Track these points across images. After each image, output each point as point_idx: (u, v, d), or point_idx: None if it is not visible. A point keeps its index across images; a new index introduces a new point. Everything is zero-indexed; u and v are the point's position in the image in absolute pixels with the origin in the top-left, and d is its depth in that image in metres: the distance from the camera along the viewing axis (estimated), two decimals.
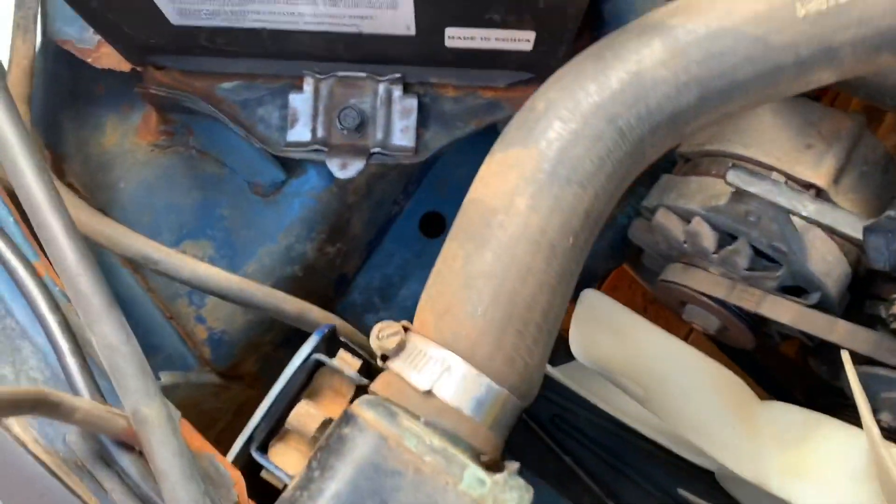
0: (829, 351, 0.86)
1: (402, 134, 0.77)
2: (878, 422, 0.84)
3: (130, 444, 0.47)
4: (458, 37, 0.68)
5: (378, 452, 0.43)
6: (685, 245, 0.96)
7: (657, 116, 0.50)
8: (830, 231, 0.88)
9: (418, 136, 0.77)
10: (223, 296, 0.60)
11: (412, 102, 0.77)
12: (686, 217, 0.95)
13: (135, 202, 0.84)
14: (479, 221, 0.49)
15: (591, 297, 0.82)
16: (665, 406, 0.76)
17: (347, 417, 0.45)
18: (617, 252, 1.22)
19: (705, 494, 1.00)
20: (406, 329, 0.48)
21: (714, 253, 0.93)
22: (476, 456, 0.46)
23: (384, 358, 0.48)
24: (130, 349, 0.44)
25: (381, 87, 0.76)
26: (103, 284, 0.46)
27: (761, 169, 0.91)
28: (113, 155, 0.85)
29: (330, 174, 0.77)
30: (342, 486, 0.42)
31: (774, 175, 0.88)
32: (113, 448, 0.47)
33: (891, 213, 0.66)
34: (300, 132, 0.76)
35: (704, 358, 0.81)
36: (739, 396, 0.79)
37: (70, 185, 0.84)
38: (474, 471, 0.43)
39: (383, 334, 0.47)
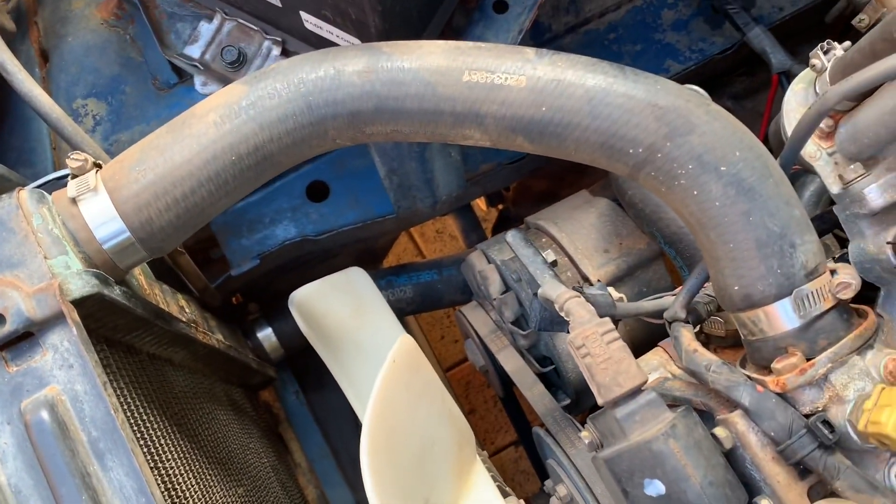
0: None
1: None
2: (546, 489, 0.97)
3: None
4: (310, 22, 0.88)
5: (9, 214, 0.61)
6: (481, 286, 1.12)
7: (340, 108, 0.68)
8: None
9: None
10: (39, 112, 0.80)
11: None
12: (488, 263, 1.11)
13: (72, 54, 1.06)
14: (181, 119, 0.68)
15: (355, 272, 0.99)
16: (348, 371, 0.91)
17: (13, 193, 0.63)
18: (463, 290, 1.37)
19: None
20: (97, 166, 0.67)
21: (494, 300, 1.08)
22: (86, 258, 0.64)
23: (74, 177, 0.67)
24: None
25: (266, 43, 0.96)
26: None
27: (558, 250, 1.06)
28: (74, 15, 1.07)
29: (205, 95, 0.97)
30: None
31: (546, 252, 1.03)
32: None
33: (539, 292, 0.80)
34: (193, 50, 0.97)
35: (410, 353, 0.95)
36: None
37: (34, 23, 1.07)
38: (69, 259, 0.61)
39: (71, 156, 0.66)
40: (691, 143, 0.64)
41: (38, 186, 0.73)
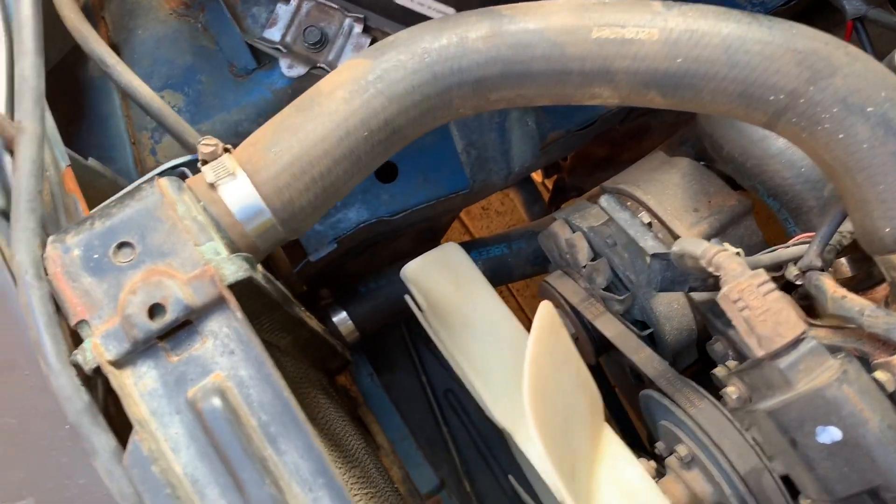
0: None
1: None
2: (654, 448, 0.96)
3: (11, 150, 0.65)
4: None
5: (154, 203, 0.60)
6: (567, 255, 1.11)
7: (465, 75, 0.67)
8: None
9: None
10: (141, 104, 0.79)
11: (365, 40, 0.95)
12: (573, 231, 1.10)
13: (144, 47, 1.05)
14: (308, 97, 0.67)
15: (451, 247, 0.98)
16: (463, 348, 0.90)
17: (150, 181, 0.62)
18: (538, 260, 1.36)
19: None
20: (226, 150, 0.66)
21: (583, 267, 1.07)
22: (229, 243, 0.63)
23: (204, 162, 0.66)
24: (36, 82, 0.63)
25: (347, 21, 0.95)
26: (40, 40, 0.65)
27: (647, 213, 1.05)
28: (141, 7, 1.06)
29: (292, 77, 0.96)
30: (122, 216, 0.60)
31: (641, 214, 1.02)
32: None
33: (676, 249, 0.79)
34: (273, 33, 0.95)
35: (518, 326, 0.95)
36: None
37: (102, 18, 1.06)
38: (216, 245, 0.60)
39: (203, 142, 0.65)
40: (835, 86, 0.63)
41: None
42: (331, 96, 0.66)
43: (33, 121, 0.63)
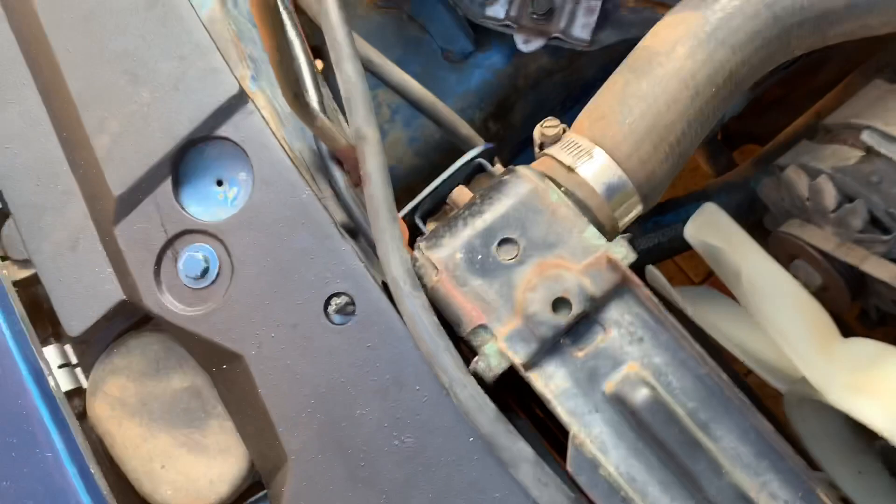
0: None
1: (582, 28, 0.90)
2: None
3: (342, 162, 0.63)
4: None
5: (528, 194, 0.56)
6: (807, 202, 1.04)
7: (808, 12, 0.61)
8: None
9: (594, 34, 0.89)
10: (413, 101, 0.76)
11: (596, 4, 0.89)
12: (813, 176, 1.03)
13: None
14: (642, 59, 0.62)
15: (710, 207, 0.93)
16: (755, 306, 0.86)
17: (508, 171, 0.59)
18: (742, 212, 1.30)
19: None
20: (564, 130, 0.62)
21: (832, 212, 1.01)
22: (599, 226, 0.59)
23: (541, 146, 0.62)
24: (363, 86, 0.60)
25: None
26: (351, 41, 0.62)
27: None
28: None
29: (510, 56, 0.91)
30: (497, 212, 0.56)
31: None
32: (330, 162, 0.63)
33: None
34: (496, 10, 0.91)
35: (801, 287, 0.90)
36: (824, 324, 0.88)
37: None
38: (596, 231, 0.56)
39: (546, 125, 0.61)
40: None
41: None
42: (671, 55, 0.61)
43: (370, 127, 0.60)
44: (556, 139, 0.61)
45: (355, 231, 0.63)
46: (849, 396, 0.80)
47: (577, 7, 0.90)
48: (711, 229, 0.90)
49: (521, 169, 0.58)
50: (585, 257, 0.55)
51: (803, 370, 0.82)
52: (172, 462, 0.66)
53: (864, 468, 1.03)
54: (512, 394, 0.62)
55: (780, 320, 0.86)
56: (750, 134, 1.55)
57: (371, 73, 0.77)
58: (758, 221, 1.28)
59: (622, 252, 0.55)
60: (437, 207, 0.72)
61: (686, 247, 1.30)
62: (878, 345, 0.83)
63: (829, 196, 1.01)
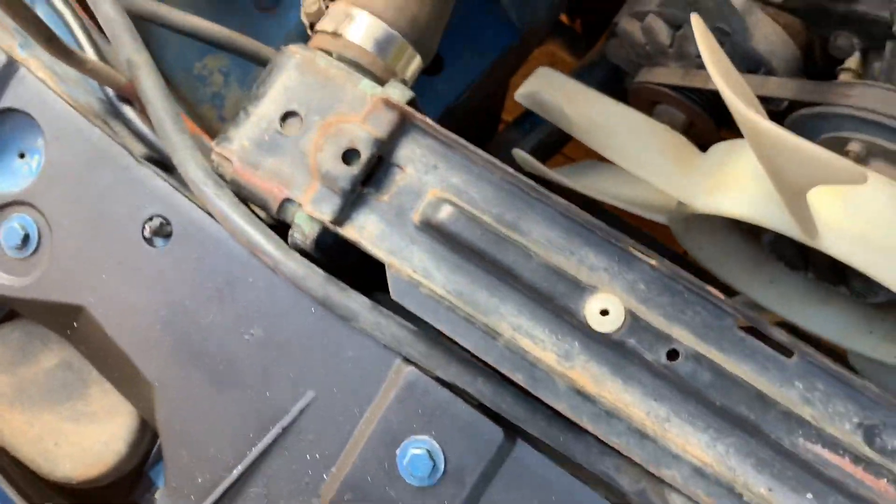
0: None
1: None
2: None
3: (130, 99, 0.64)
4: None
5: (297, 67, 0.58)
6: (647, 46, 1.07)
7: None
8: (775, 12, 0.97)
9: None
10: (207, 40, 0.77)
11: None
12: (643, 19, 1.06)
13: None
14: None
15: (545, 70, 0.95)
16: (608, 150, 0.88)
17: (278, 51, 0.60)
18: (611, 84, 1.33)
19: None
20: (325, 4, 0.64)
21: (669, 46, 1.04)
22: (376, 78, 0.60)
23: (311, 27, 0.63)
24: (124, 19, 0.61)
25: None
26: None
27: None
28: None
29: None
30: (272, 92, 0.58)
31: None
32: (117, 102, 0.64)
33: None
34: None
35: (648, 119, 0.92)
36: (679, 145, 0.90)
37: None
38: (370, 81, 0.58)
39: (305, 4, 0.62)
40: None
41: None
42: None
43: (138, 52, 0.61)
44: (319, 14, 0.63)
45: (162, 161, 0.64)
46: (710, 197, 0.82)
47: None
48: (547, 87, 0.92)
49: (288, 47, 0.60)
50: (364, 106, 0.57)
51: (669, 190, 0.85)
52: (64, 437, 0.66)
53: (774, 276, 1.06)
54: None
55: (636, 153, 0.88)
56: (604, 17, 1.57)
57: (160, 25, 0.78)
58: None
59: (397, 92, 0.57)
60: None
61: (567, 137, 1.33)
62: (730, 142, 0.86)
63: (662, 32, 1.04)
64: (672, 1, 1.01)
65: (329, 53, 0.61)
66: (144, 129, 0.63)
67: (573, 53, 1.49)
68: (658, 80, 1.07)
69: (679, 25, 1.02)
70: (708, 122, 1.10)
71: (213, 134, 1.01)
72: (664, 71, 1.07)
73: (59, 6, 0.65)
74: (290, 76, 0.58)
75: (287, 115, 0.57)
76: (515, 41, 1.17)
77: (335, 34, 0.61)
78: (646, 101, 1.16)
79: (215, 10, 1.00)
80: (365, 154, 0.55)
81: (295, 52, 0.59)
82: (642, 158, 0.89)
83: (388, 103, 0.56)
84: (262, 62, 0.79)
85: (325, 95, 0.57)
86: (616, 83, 1.30)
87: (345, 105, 0.57)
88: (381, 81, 0.62)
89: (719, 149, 0.88)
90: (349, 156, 0.55)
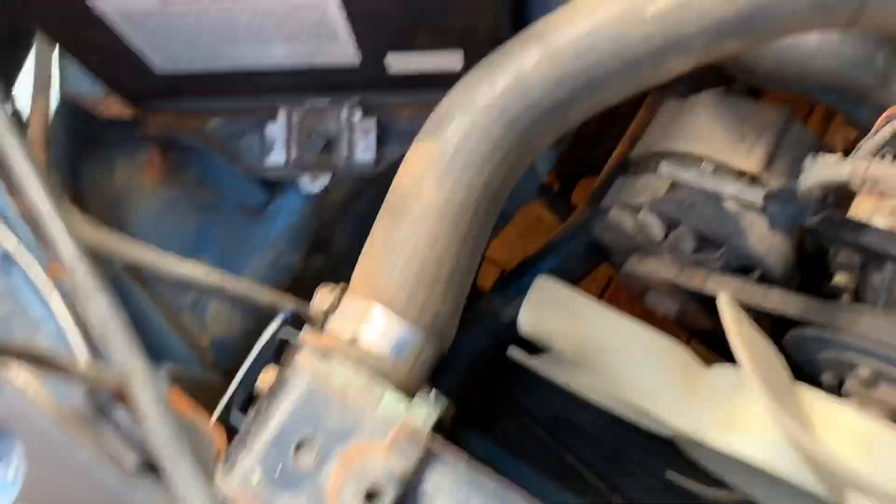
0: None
1: (364, 151, 0.89)
2: (820, 383, 0.91)
3: (122, 399, 0.58)
4: (397, 62, 0.80)
5: (310, 387, 0.53)
6: (637, 238, 1.06)
7: (538, 109, 0.61)
8: (762, 209, 0.96)
9: (379, 152, 0.88)
10: (204, 289, 0.72)
11: (371, 123, 0.88)
12: (635, 212, 1.05)
13: (145, 230, 0.97)
14: (397, 200, 0.61)
15: (543, 281, 0.92)
16: (611, 374, 0.85)
17: (290, 364, 0.55)
18: (591, 255, 1.31)
19: (693, 474, 1.07)
20: (343, 291, 0.60)
21: (662, 241, 1.02)
22: (399, 386, 0.56)
23: (321, 318, 0.59)
24: (118, 320, 0.56)
25: (344, 113, 0.89)
26: (98, 275, 0.58)
27: (696, 161, 1.01)
28: (123, 191, 0.98)
29: (311, 194, 0.89)
30: (283, 415, 0.53)
31: (703, 165, 0.98)
32: (108, 404, 0.58)
33: (812, 180, 0.75)
34: (276, 157, 0.89)
35: (650, 330, 0.90)
36: (683, 363, 0.88)
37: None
38: (390, 398, 0.53)
39: (319, 296, 0.58)
40: None
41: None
42: (419, 191, 0.60)
43: (136, 360, 0.56)
44: (334, 308, 0.59)
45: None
46: (722, 435, 0.80)
47: (353, 132, 0.89)
48: (549, 308, 0.90)
49: (301, 359, 0.55)
50: (387, 432, 0.52)
51: (675, 425, 0.82)
52: None
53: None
54: None
55: (637, 377, 0.85)
56: (581, 166, 1.57)
57: (151, 274, 0.73)
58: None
59: (422, 415, 0.53)
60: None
61: None
62: (736, 372, 0.84)
63: (655, 228, 1.02)
64: (668, 199, 1.00)
65: (346, 357, 0.56)
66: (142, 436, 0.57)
67: (553, 213, 1.49)
68: (650, 274, 1.05)
69: (671, 223, 1.01)
70: (701, 313, 1.08)
71: (192, 344, 0.96)
72: (658, 263, 1.06)
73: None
74: (304, 398, 0.53)
75: (302, 443, 0.52)
76: (503, 223, 1.15)
77: (352, 340, 0.57)
78: (636, 287, 1.14)
79: (200, 216, 0.95)
80: (390, 495, 0.50)
81: (307, 367, 0.54)
82: (646, 384, 0.86)
83: (415, 436, 0.51)
84: (259, 309, 0.75)
85: (344, 420, 0.53)
86: (601, 250, 1.29)
87: (366, 432, 0.52)
88: (403, 385, 0.57)
89: (726, 376, 0.86)
90: (373, 498, 0.50)
